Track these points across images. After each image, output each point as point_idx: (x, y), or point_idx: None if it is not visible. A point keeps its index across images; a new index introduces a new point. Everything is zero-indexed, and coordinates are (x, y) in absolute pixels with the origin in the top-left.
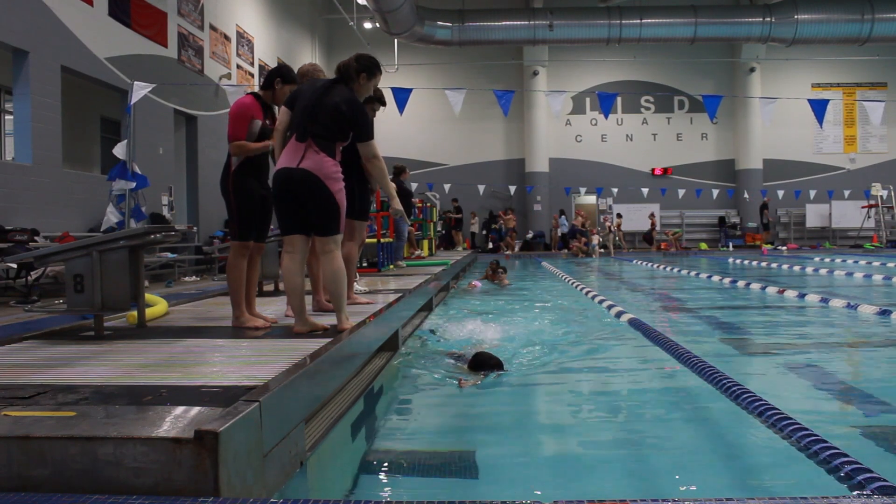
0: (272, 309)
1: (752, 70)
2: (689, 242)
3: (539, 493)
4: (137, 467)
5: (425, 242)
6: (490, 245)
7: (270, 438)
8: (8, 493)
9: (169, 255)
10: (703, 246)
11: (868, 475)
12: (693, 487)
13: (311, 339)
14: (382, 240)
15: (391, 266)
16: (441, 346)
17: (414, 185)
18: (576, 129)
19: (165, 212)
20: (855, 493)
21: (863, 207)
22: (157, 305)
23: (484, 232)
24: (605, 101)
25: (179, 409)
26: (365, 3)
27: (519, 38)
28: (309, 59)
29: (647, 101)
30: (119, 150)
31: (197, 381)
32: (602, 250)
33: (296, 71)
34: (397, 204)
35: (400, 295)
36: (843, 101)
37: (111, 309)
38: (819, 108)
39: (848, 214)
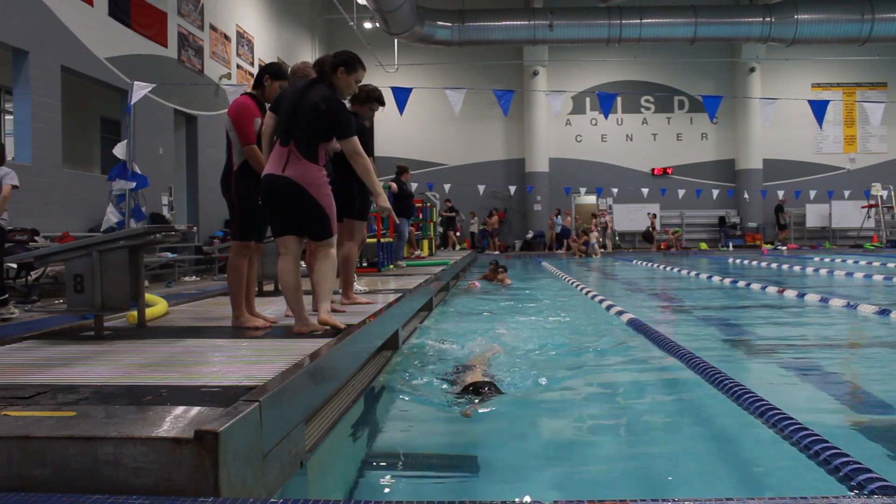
0: (272, 309)
1: (752, 70)
2: (689, 242)
3: (539, 492)
4: (137, 467)
5: (425, 242)
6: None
7: (270, 438)
8: (8, 493)
9: (169, 255)
10: (703, 246)
11: (868, 475)
12: (693, 487)
13: (311, 339)
14: (382, 240)
15: (391, 266)
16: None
17: (414, 186)
18: (576, 129)
19: (165, 212)
20: (855, 493)
21: (863, 207)
22: (157, 305)
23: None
24: (605, 101)
25: (179, 409)
26: (365, 3)
27: (519, 38)
28: (309, 59)
29: (646, 101)
30: (119, 150)
31: (197, 381)
32: (603, 250)
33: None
34: (383, 201)
35: (400, 295)
36: (843, 101)
37: (111, 309)
38: (819, 108)
39: (848, 214)
